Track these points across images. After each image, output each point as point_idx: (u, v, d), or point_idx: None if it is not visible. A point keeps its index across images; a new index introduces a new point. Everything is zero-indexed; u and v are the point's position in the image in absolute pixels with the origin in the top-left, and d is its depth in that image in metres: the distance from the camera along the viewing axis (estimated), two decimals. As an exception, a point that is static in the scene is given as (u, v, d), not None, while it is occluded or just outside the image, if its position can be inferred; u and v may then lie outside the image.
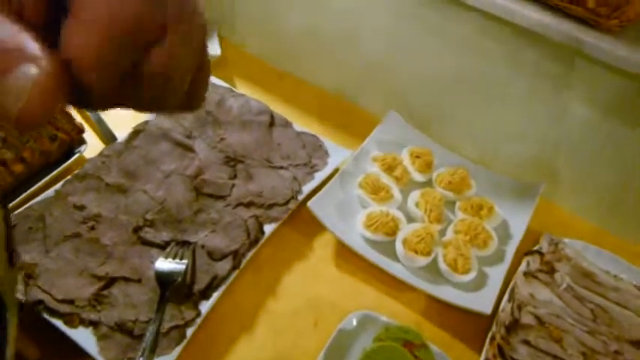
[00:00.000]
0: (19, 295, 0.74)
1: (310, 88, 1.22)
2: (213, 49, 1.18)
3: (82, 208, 0.85)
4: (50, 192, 0.87)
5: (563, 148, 1.05)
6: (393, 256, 0.91)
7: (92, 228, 0.84)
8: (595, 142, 0.99)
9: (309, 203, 0.91)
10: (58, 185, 0.88)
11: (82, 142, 0.96)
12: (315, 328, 0.83)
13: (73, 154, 0.94)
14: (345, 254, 0.92)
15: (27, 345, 0.74)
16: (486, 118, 1.08)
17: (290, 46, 1.23)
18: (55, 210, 0.84)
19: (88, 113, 1.03)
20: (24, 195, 0.87)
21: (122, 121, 1.03)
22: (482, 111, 1.08)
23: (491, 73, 1.02)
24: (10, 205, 0.85)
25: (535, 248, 0.96)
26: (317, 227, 0.94)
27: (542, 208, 1.02)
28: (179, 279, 0.78)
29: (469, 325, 0.87)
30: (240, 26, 1.27)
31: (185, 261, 0.81)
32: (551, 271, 0.94)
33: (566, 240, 0.98)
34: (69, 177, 0.89)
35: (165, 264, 0.80)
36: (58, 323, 0.72)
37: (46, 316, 0.73)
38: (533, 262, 0.94)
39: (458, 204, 1.00)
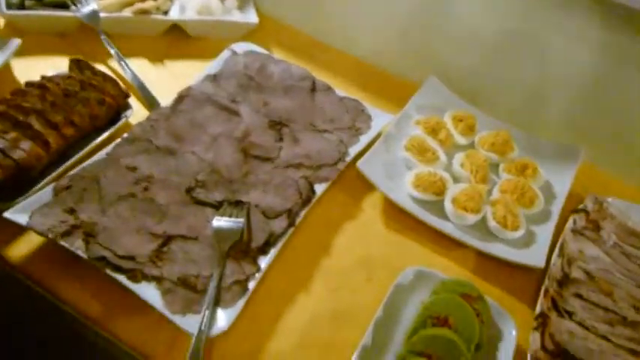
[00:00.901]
0: (80, 252, 0.74)
1: (346, 56, 1.22)
2: (251, 17, 1.18)
3: (134, 169, 0.86)
4: (102, 154, 0.87)
5: (601, 112, 1.06)
6: (442, 215, 0.91)
7: (146, 189, 0.84)
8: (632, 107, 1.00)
9: (359, 163, 0.92)
10: (109, 148, 0.88)
11: (128, 106, 0.96)
12: (369, 284, 0.83)
13: (120, 118, 0.94)
14: (393, 214, 0.92)
15: (89, 301, 0.74)
16: (524, 83, 1.08)
17: (325, 14, 1.22)
18: (109, 171, 0.84)
19: (130, 80, 1.03)
20: (76, 157, 0.87)
21: (164, 87, 1.03)
22: (521, 75, 1.08)
23: (531, 36, 1.03)
24: (63, 166, 0.85)
25: (580, 207, 0.97)
26: (364, 188, 0.95)
27: (581, 170, 1.02)
28: (238, 236, 0.79)
29: (518, 281, 0.88)
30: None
31: (241, 219, 0.81)
32: (597, 229, 0.94)
33: (610, 199, 0.99)
34: (119, 140, 0.89)
35: (222, 222, 0.80)
36: (122, 278, 0.73)
37: (109, 272, 0.73)
38: (580, 220, 0.95)
39: (502, 165, 1.00)
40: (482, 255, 0.89)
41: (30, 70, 1.02)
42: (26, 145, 0.83)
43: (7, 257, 0.77)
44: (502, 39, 1.06)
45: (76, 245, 0.75)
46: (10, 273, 0.76)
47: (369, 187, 0.95)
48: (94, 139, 0.91)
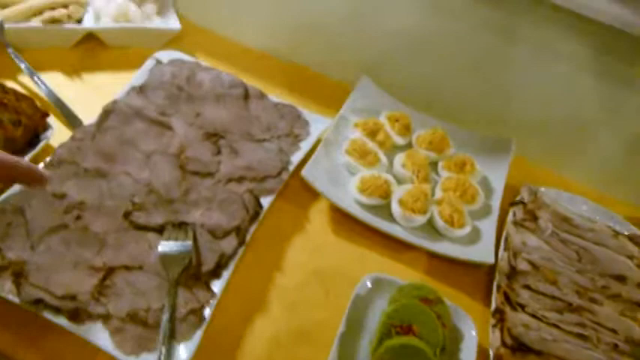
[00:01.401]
0: (11, 297, 0.67)
1: (273, 60, 1.19)
2: (173, 22, 1.11)
3: (62, 196, 0.78)
4: (22, 183, 0.78)
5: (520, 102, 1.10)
6: (390, 218, 0.91)
7: (78, 217, 0.77)
8: (556, 94, 1.05)
9: (304, 172, 0.89)
10: (31, 175, 0.79)
11: (47, 127, 0.87)
12: (327, 298, 0.81)
13: (39, 140, 0.86)
14: (341, 221, 0.91)
15: (27, 351, 0.67)
16: (450, 77, 1.10)
17: (245, 16, 1.18)
18: (34, 201, 0.76)
19: (46, 97, 0.94)
20: (-7, 188, 0.78)
21: (84, 103, 0.95)
22: (446, 71, 1.10)
23: (455, 34, 1.05)
24: (-21, 200, 0.76)
25: (517, 199, 1.00)
26: (309, 197, 0.93)
27: (512, 163, 1.06)
28: (187, 261, 0.74)
29: (470, 278, 0.89)
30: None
31: (189, 242, 0.76)
32: (534, 219, 0.98)
33: (542, 189, 1.03)
34: (41, 165, 0.81)
35: (167, 247, 0.75)
36: (63, 321, 0.66)
37: (48, 315, 0.66)
38: (518, 212, 0.98)
39: (441, 163, 1.02)
40: (433, 256, 0.89)
41: None
42: None
43: None
44: (425, 35, 1.07)
45: (7, 289, 0.67)
46: None
47: (314, 195, 0.93)
48: (12, 165, 0.82)
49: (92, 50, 1.07)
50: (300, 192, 0.92)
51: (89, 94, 0.99)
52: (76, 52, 1.06)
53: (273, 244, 0.85)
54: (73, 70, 1.03)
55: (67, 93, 0.97)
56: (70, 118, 0.93)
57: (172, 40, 1.12)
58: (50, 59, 1.02)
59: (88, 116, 0.94)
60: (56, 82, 0.98)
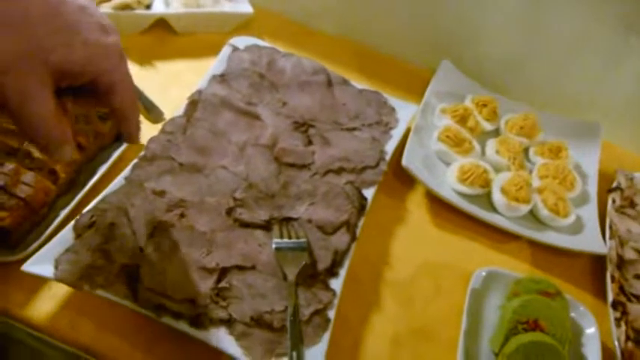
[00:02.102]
0: (127, 302, 0.63)
1: (346, 43, 1.14)
2: (244, 6, 1.06)
3: (162, 193, 0.74)
4: (119, 180, 0.74)
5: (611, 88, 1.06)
6: (490, 207, 0.87)
7: (182, 215, 0.72)
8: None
9: (405, 162, 0.85)
10: (126, 171, 0.75)
11: (133, 120, 0.83)
12: (438, 293, 0.77)
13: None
14: (440, 212, 0.87)
15: (145, 358, 0.63)
16: (538, 60, 1.06)
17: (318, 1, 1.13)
18: (136, 199, 0.72)
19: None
20: (89, 185, 0.73)
21: (160, 92, 0.90)
22: (531, 52, 1.06)
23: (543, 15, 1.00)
24: (77, 198, 0.72)
25: (615, 185, 0.96)
26: (404, 187, 0.89)
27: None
28: (303, 259, 0.70)
29: (574, 268, 0.85)
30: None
31: (303, 239, 0.72)
32: (632, 205, 0.94)
33: (637, 174, 0.99)
34: (136, 161, 0.76)
35: (283, 245, 0.71)
36: (185, 327, 0.62)
37: (168, 321, 0.62)
38: (617, 199, 0.94)
39: (532, 149, 0.97)
40: (535, 245, 0.86)
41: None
42: (30, 177, 0.69)
43: (30, 321, 0.64)
44: (515, 18, 1.03)
45: (122, 294, 0.63)
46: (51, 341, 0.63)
47: (408, 185, 0.89)
48: (103, 161, 0.77)
49: (161, 36, 1.02)
50: (394, 182, 0.88)
51: (164, 83, 0.94)
52: (145, 39, 1.01)
53: (377, 238, 0.81)
54: (143, 58, 0.98)
55: (140, 82, 0.91)
56: (151, 109, 0.88)
57: (240, 25, 1.07)
58: (120, 47, 0.97)
59: (167, 106, 0.89)
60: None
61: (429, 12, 1.08)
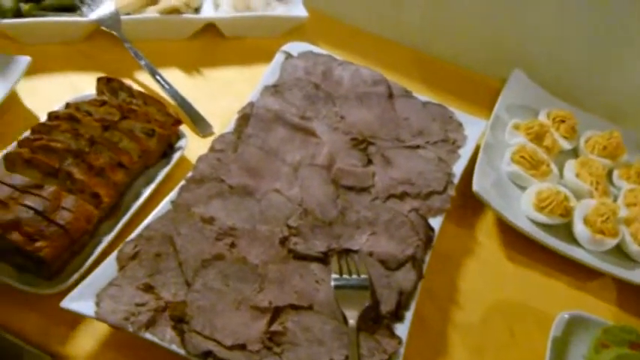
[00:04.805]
0: (174, 347, 0.57)
1: (405, 50, 1.05)
2: (298, 10, 0.98)
3: (211, 220, 0.67)
4: (165, 203, 0.68)
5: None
6: (569, 239, 0.78)
7: (232, 245, 0.66)
8: None
9: (476, 188, 0.77)
10: (173, 194, 0.69)
11: (180, 135, 0.77)
12: (513, 339, 0.69)
13: (173, 151, 0.75)
14: (513, 242, 0.78)
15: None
16: (623, 68, 0.95)
17: (374, 2, 1.05)
18: (183, 227, 0.66)
19: (170, 99, 0.83)
20: (132, 210, 0.68)
21: (207, 102, 0.84)
22: (614, 59, 0.95)
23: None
24: (120, 224, 0.66)
25: None
26: (473, 213, 0.81)
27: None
28: (366, 300, 0.63)
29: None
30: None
31: (364, 276, 0.65)
32: None
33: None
34: (183, 182, 0.70)
35: (343, 282, 0.64)
36: (237, 377, 0.56)
37: (220, 370, 0.56)
38: None
39: (616, 172, 0.87)
40: (623, 285, 0.76)
41: (39, 93, 0.81)
42: (70, 202, 0.63)
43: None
44: (590, 18, 0.92)
45: (168, 338, 0.57)
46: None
47: (476, 211, 0.81)
48: (148, 181, 0.72)
49: (208, 41, 0.96)
50: (459, 207, 0.80)
51: (213, 92, 0.88)
52: (193, 44, 0.95)
53: (442, 272, 0.73)
54: (191, 65, 0.92)
55: (188, 91, 0.86)
56: (199, 123, 0.82)
57: (297, 29, 1.00)
58: (165, 52, 0.91)
59: (216, 118, 0.83)
60: (174, 78, 0.87)
61: (497, 16, 0.98)
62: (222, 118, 0.83)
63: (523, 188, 0.82)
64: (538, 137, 0.86)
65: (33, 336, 0.60)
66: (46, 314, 0.60)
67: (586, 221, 0.77)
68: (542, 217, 0.77)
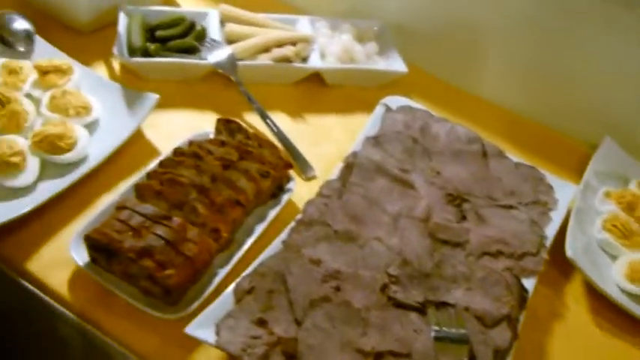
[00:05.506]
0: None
1: (494, 108, 1.09)
2: (398, 65, 1.04)
3: (318, 262, 0.72)
4: (277, 243, 0.73)
5: None
6: (661, 313, 0.79)
7: (337, 289, 0.70)
8: None
9: (570, 253, 0.79)
10: (284, 234, 0.74)
11: (288, 178, 0.82)
12: (601, 406, 0.70)
13: (281, 193, 0.80)
14: (603, 311, 0.80)
15: None
16: None
17: (468, 61, 1.09)
18: (293, 267, 0.70)
19: (279, 142, 0.89)
20: (246, 246, 0.73)
21: (309, 147, 0.90)
22: None
23: None
24: (235, 259, 0.71)
25: None
26: (561, 275, 0.83)
27: None
28: (465, 355, 0.65)
29: None
30: (413, 40, 1.12)
31: (464, 331, 0.67)
32: None
33: None
34: (293, 224, 0.75)
35: (443, 334, 0.67)
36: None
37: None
38: None
39: None
40: None
41: (160, 127, 0.88)
42: (194, 234, 0.69)
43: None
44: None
45: (279, 372, 0.61)
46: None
47: (565, 274, 0.82)
48: (258, 219, 0.77)
49: (311, 88, 1.02)
50: (548, 269, 0.82)
51: (315, 138, 0.94)
52: (297, 89, 1.01)
53: (531, 333, 0.75)
54: (293, 109, 0.98)
55: (294, 136, 0.92)
56: (304, 167, 0.87)
57: (393, 82, 1.05)
58: (271, 96, 0.97)
59: (318, 163, 0.89)
60: (279, 121, 0.93)
61: (589, 82, 1.01)
62: (321, 162, 0.89)
63: (612, 256, 0.84)
64: (629, 207, 0.87)
65: (151, 356, 0.65)
66: (166, 337, 0.65)
67: (680, 296, 0.78)
68: (634, 288, 0.79)
